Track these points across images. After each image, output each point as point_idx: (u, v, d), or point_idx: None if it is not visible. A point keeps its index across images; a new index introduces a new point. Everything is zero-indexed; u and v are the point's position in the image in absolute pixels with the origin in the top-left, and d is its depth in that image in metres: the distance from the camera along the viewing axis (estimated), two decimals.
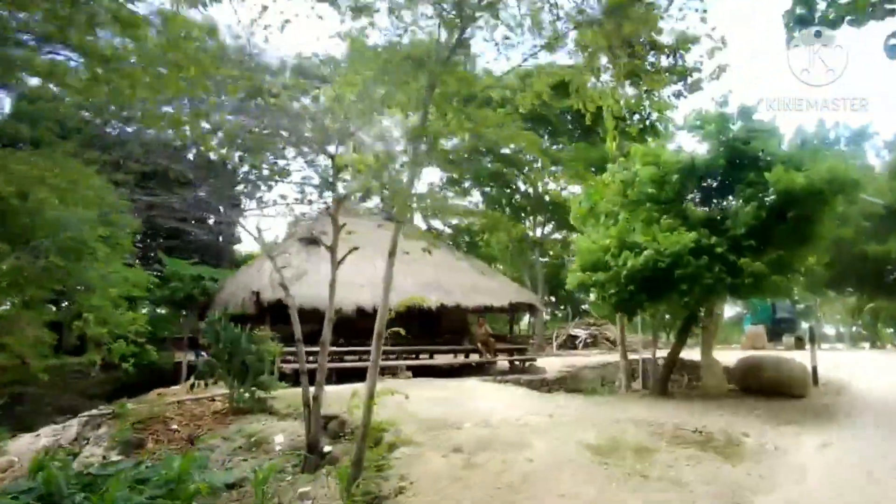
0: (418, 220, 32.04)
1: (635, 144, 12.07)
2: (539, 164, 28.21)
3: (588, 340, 33.11)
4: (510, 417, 8.98)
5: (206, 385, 10.72)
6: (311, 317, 15.78)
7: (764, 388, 11.33)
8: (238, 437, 9.32)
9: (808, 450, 7.49)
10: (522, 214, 29.92)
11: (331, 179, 8.09)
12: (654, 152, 11.55)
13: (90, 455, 9.33)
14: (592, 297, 11.65)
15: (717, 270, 10.01)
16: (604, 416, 9.24)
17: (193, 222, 27.27)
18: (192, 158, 26.68)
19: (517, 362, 18.27)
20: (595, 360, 20.58)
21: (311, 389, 8.19)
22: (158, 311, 18.72)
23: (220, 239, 28.82)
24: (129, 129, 25.11)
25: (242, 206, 30.77)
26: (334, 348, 15.09)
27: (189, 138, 27.44)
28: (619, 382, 14.39)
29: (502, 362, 18.82)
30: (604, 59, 15.06)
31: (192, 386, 10.93)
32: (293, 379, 13.87)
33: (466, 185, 29.23)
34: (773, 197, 9.95)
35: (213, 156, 28.76)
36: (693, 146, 11.70)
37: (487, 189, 29.04)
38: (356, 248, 8.45)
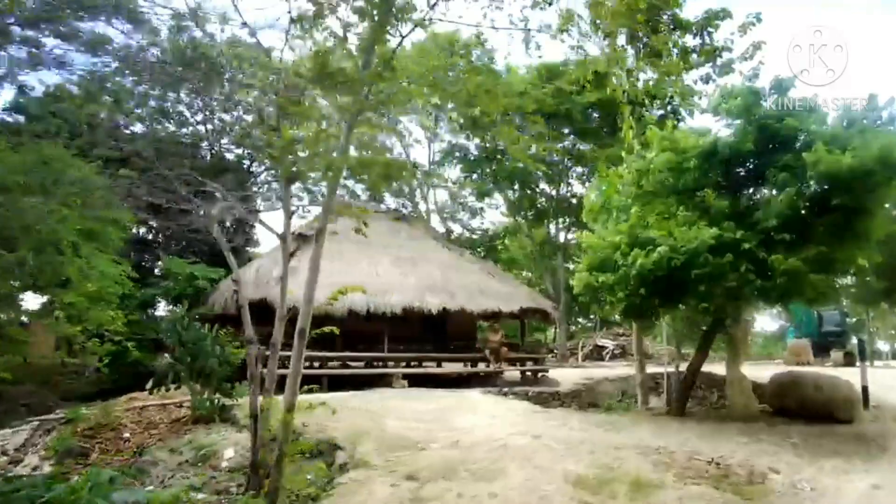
0: (435, 222, 31.08)
1: (653, 128, 10.63)
2: (566, 164, 26.79)
3: (616, 351, 31.32)
4: (492, 437, 7.67)
5: (168, 389, 9.78)
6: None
7: (802, 409, 9.68)
8: (187, 450, 8.31)
9: (854, 492, 5.96)
10: (545, 218, 28.44)
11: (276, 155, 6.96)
12: (672, 137, 10.10)
13: (27, 464, 8.48)
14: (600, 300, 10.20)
15: (744, 270, 8.50)
16: (603, 440, 7.83)
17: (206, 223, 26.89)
18: (205, 157, 26.30)
19: (529, 373, 16.85)
20: (617, 373, 18.92)
21: (260, 399, 7.06)
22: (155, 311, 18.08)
23: (234, 241, 28.30)
24: (140, 127, 24.91)
25: (257, 207, 30.31)
26: (320, 353, 14.04)
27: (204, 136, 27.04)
28: (638, 399, 12.85)
29: (514, 373, 17.43)
30: (622, 40, 13.65)
31: (151, 391, 9.99)
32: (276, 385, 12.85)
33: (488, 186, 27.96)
34: (812, 183, 8.38)
35: (229, 156, 28.55)
36: (720, 131, 10.18)
37: (510, 192, 27.67)
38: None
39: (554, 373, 20.83)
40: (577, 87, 23.77)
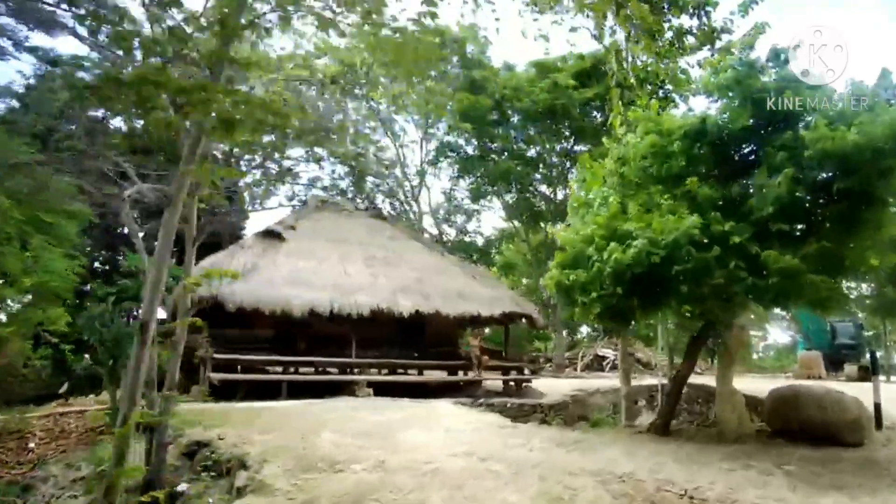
0: (428, 224, 29.98)
1: (636, 109, 9.49)
2: (564, 165, 25.64)
3: (617, 362, 30.01)
4: (429, 458, 6.52)
5: (86, 394, 8.78)
6: (263, 319, 13.77)
7: (804, 430, 8.40)
8: (86, 465, 7.25)
9: None
10: (543, 221, 27.25)
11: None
12: (656, 118, 8.96)
13: None
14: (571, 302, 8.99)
15: (733, 266, 7.31)
16: (562, 463, 6.64)
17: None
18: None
19: (512, 383, 15.66)
20: (613, 384, 17.63)
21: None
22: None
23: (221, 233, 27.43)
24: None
25: (249, 206, 29.45)
26: (283, 357, 12.98)
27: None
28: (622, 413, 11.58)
29: (496, 382, 16.24)
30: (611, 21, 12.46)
31: (66, 396, 8.99)
32: (224, 391, 11.81)
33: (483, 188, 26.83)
34: (814, 166, 7.18)
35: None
36: (711, 110, 8.99)
37: (507, 194, 26.53)
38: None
39: (545, 383, 19.62)
40: (575, 81, 22.94)
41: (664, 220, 7.77)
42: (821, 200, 7.34)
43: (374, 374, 14.41)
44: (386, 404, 11.07)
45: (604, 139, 11.90)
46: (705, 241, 7.58)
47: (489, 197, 27.59)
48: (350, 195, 25.76)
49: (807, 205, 7.49)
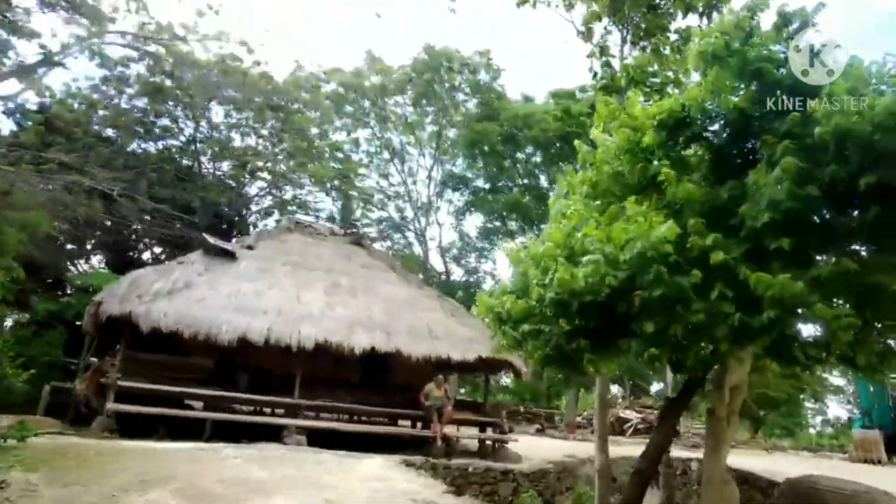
0: (435, 258, 28.01)
1: (609, 100, 7.51)
2: None
3: (640, 426, 26.83)
4: None
5: None
6: (203, 347, 12.03)
7: None
8: None
9: None
10: None
11: None
12: (631, 110, 6.95)
13: None
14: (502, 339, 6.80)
15: (716, 297, 5.11)
16: None
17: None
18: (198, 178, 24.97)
19: (488, 442, 13.26)
20: (619, 451, 14.89)
21: None
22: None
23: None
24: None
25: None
26: (202, 391, 11.17)
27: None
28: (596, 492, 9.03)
29: (473, 440, 13.88)
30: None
31: None
32: (142, 427, 10.04)
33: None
34: (830, 155, 4.99)
35: (230, 181, 27.16)
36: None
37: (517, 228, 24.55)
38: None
39: (538, 444, 17.03)
40: (591, 109, 21.15)
41: (627, 228, 5.63)
42: (837, 202, 5.07)
43: (315, 417, 12.37)
44: (295, 456, 9.00)
45: None
46: (682, 260, 5.42)
47: (500, 235, 25.57)
48: (335, 221, 24.46)
49: (824, 211, 5.24)
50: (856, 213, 5.17)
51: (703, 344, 5.46)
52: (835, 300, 5.44)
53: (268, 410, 12.86)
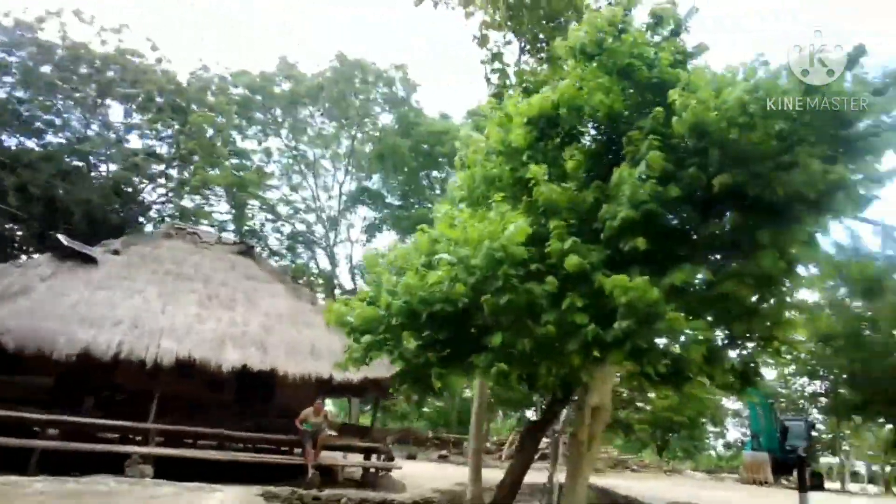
0: (346, 276, 26.90)
1: (491, 99, 7.04)
2: None
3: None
4: None
5: None
6: (37, 363, 10.38)
7: None
8: None
9: None
10: None
11: None
12: (506, 108, 6.50)
13: None
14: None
15: (566, 306, 4.58)
16: None
17: None
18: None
19: (372, 470, 12.28)
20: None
21: None
22: None
23: None
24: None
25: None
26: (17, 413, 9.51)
27: None
28: None
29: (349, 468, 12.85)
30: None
31: None
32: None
33: None
34: (689, 149, 4.64)
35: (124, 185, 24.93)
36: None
37: None
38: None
39: (433, 472, 16.22)
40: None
41: (481, 227, 5.03)
42: (702, 205, 4.71)
43: (175, 444, 10.92)
44: (127, 490, 7.68)
45: None
46: (544, 267, 4.88)
47: None
48: (230, 230, 22.92)
49: (685, 215, 4.87)
50: (716, 220, 4.85)
51: (554, 360, 4.90)
52: (704, 315, 5.08)
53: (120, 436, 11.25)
